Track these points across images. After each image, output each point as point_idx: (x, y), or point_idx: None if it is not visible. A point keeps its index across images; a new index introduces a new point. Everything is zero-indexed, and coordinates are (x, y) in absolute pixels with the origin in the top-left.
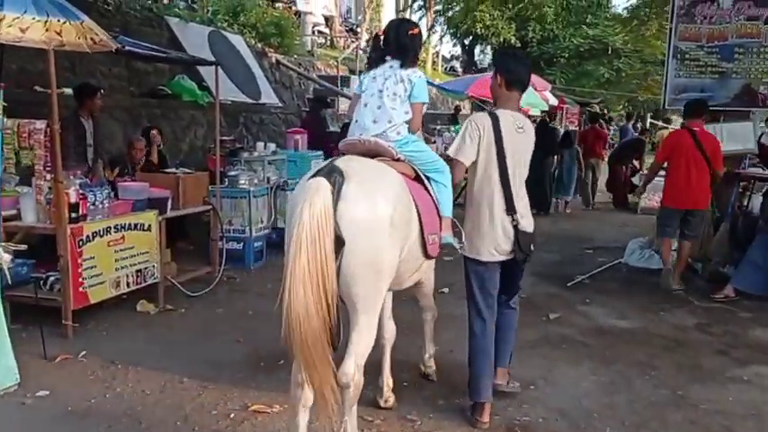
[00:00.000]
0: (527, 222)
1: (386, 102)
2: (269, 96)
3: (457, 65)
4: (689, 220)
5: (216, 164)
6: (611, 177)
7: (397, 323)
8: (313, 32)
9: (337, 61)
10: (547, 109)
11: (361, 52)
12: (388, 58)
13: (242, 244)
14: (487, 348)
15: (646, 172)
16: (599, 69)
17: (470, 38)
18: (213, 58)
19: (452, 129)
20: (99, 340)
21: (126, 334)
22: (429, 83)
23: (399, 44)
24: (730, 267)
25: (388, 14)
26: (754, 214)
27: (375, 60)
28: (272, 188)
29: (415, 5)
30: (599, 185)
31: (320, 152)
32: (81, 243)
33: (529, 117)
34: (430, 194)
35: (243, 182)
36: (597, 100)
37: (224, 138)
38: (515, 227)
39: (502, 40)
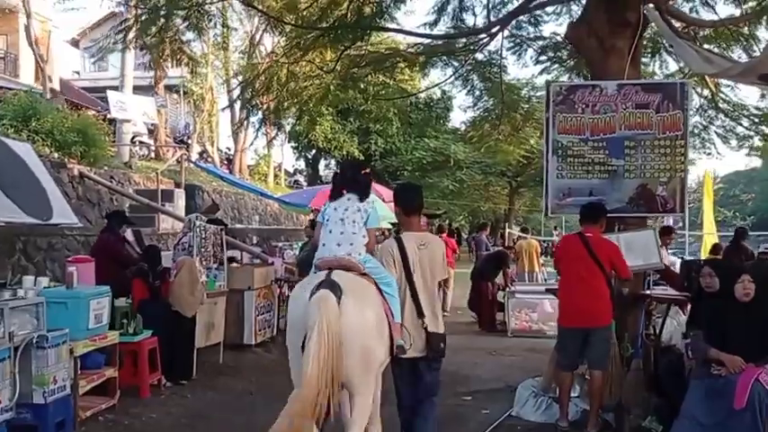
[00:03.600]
0: (437, 324)
1: (347, 228)
2: (64, 215)
3: (301, 178)
4: (590, 342)
5: None
6: (474, 295)
7: None
8: (134, 142)
9: (157, 173)
10: (396, 221)
11: (189, 164)
12: (344, 191)
13: None
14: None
15: (514, 288)
16: (443, 181)
17: (313, 151)
18: None
19: (295, 245)
20: None
21: None
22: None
23: (356, 181)
24: (652, 419)
25: (223, 125)
26: (668, 345)
27: (335, 193)
28: (17, 348)
29: (255, 119)
30: (459, 302)
31: (107, 287)
32: None
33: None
34: (386, 302)
35: None
36: (441, 211)
37: None
38: (425, 329)
39: (345, 153)
